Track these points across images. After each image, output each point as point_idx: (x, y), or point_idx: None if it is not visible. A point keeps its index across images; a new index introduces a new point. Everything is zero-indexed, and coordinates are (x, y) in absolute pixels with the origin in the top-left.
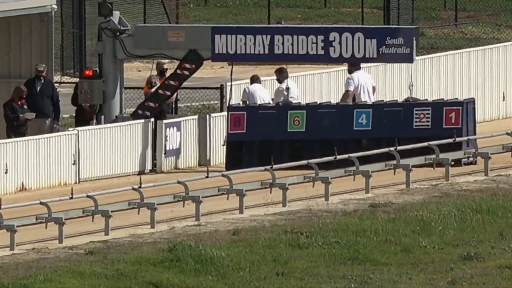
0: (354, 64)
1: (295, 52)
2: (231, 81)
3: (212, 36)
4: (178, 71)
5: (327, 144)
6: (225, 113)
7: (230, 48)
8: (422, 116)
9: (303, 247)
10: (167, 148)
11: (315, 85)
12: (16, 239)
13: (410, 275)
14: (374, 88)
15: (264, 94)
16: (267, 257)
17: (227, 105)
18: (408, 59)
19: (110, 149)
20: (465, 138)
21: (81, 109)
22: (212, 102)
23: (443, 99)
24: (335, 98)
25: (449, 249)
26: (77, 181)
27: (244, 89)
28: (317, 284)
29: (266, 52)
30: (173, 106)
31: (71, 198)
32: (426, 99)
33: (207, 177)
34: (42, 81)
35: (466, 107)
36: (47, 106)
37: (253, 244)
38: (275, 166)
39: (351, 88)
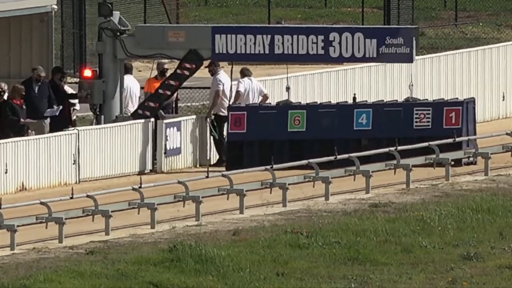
0: (216, 64)
1: (295, 52)
2: (231, 81)
3: (212, 36)
4: (178, 71)
5: (328, 144)
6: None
7: (230, 48)
8: (422, 116)
9: (303, 247)
10: (167, 148)
11: (315, 85)
12: (16, 239)
13: (410, 275)
14: (217, 92)
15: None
16: (267, 257)
17: (228, 104)
18: (408, 59)
19: (110, 149)
20: (465, 138)
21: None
22: None
23: (443, 99)
24: (335, 98)
25: (449, 249)
26: (77, 181)
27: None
28: (317, 284)
29: (266, 52)
30: (174, 106)
31: (71, 198)
32: (426, 99)
33: (207, 177)
34: (39, 83)
35: (466, 107)
36: (45, 107)
37: (253, 244)
38: (275, 166)
39: (221, 87)
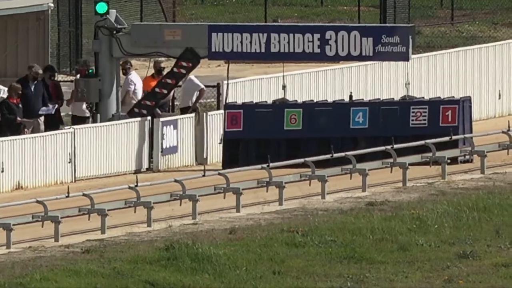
0: (129, 63)
1: (291, 50)
2: (228, 79)
3: (208, 34)
4: (175, 70)
5: (324, 142)
6: (221, 111)
7: (226, 46)
8: (418, 114)
9: (299, 246)
10: (164, 147)
11: (311, 83)
12: (12, 238)
13: (407, 273)
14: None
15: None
16: (264, 256)
17: (224, 103)
18: (404, 57)
19: (106, 147)
20: (462, 136)
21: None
22: (208, 100)
23: (439, 97)
24: (331, 96)
25: (445, 247)
26: (73, 180)
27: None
28: (313, 283)
29: (263, 50)
30: (170, 104)
31: (67, 196)
32: (423, 98)
33: (203, 175)
34: (35, 82)
35: (463, 105)
36: (41, 106)
37: (249, 243)
38: (271, 165)
39: (132, 88)
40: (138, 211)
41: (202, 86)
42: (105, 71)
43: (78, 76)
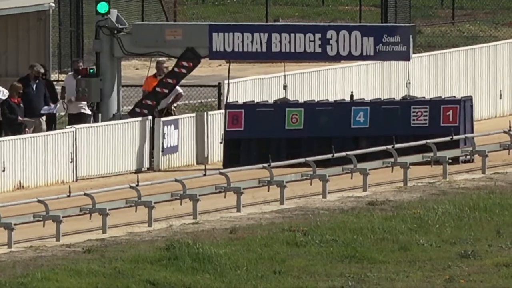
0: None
1: (292, 50)
2: (229, 79)
3: (209, 34)
4: (176, 69)
5: (325, 142)
6: (222, 111)
7: (227, 46)
8: (419, 114)
9: (300, 245)
10: (165, 146)
11: (312, 83)
12: (14, 237)
13: (408, 273)
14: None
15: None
16: (264, 255)
17: (225, 103)
18: (405, 57)
19: (107, 147)
20: (463, 136)
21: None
22: (209, 100)
23: (440, 97)
24: (332, 96)
25: (447, 247)
26: (75, 179)
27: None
28: (314, 282)
29: (264, 50)
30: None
31: (69, 196)
32: (424, 97)
33: (204, 175)
34: (37, 81)
35: (464, 105)
36: (42, 105)
37: (250, 242)
38: (272, 164)
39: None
40: (139, 211)
41: (180, 91)
42: (106, 71)
43: (70, 74)
